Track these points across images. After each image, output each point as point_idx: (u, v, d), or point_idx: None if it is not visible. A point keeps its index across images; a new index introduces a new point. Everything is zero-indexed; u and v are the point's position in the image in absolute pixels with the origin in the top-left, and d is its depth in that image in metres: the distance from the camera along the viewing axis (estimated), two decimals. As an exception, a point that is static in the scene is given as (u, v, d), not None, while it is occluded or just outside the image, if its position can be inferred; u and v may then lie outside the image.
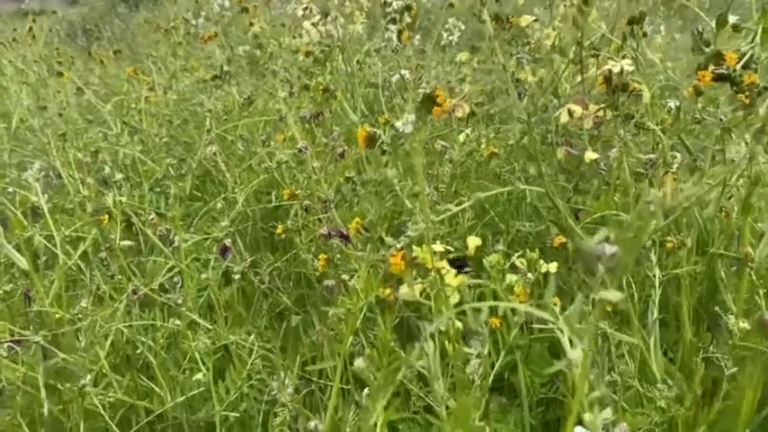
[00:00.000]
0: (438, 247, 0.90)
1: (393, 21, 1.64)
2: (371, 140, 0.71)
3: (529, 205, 1.11)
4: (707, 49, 1.13)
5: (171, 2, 4.17)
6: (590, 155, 0.98)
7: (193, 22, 3.10)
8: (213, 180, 1.78)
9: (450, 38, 2.52)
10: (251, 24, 2.85)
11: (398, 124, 1.17)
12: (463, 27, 2.48)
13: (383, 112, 1.71)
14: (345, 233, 1.05)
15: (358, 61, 1.62)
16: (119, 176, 1.08)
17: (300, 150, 1.08)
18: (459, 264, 1.03)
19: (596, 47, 1.34)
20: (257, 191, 1.57)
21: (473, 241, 0.89)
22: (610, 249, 0.40)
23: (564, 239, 0.92)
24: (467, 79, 1.45)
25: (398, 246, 0.64)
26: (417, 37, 2.37)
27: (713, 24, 1.12)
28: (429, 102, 0.61)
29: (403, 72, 1.25)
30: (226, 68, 1.70)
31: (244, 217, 1.52)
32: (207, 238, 1.24)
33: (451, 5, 2.76)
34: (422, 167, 0.66)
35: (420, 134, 0.64)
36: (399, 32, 1.45)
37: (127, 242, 0.99)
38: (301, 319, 1.25)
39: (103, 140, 1.73)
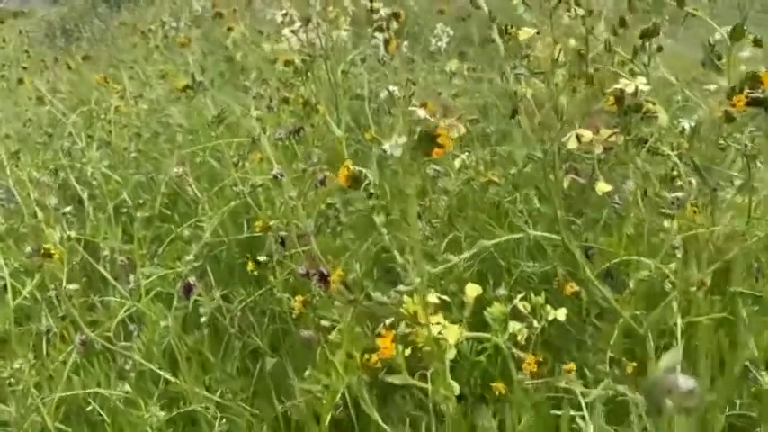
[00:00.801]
0: (432, 297, 0.79)
1: (380, 29, 1.52)
2: (355, 181, 0.59)
3: (531, 241, 1.00)
4: (719, 63, 1.03)
5: (150, 3, 4.02)
6: (602, 186, 0.87)
7: (173, 24, 2.97)
8: (185, 199, 1.65)
9: (439, 44, 2.41)
10: (229, 29, 2.72)
11: (387, 146, 1.05)
12: (452, 33, 2.36)
13: (369, 127, 1.59)
14: (326, 273, 0.93)
15: (343, 71, 1.49)
16: (68, 209, 0.95)
17: (276, 177, 0.96)
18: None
19: (598, 62, 1.23)
20: (234, 212, 1.44)
21: (472, 289, 0.77)
22: (686, 383, 0.29)
23: (577, 288, 0.81)
24: (457, 92, 1.34)
25: (387, 324, 0.52)
26: (405, 43, 2.25)
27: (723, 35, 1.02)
28: (428, 141, 0.49)
29: (392, 88, 1.13)
30: (199, 78, 1.58)
31: (218, 242, 1.39)
32: (172, 271, 1.11)
33: (441, 12, 2.66)
34: (415, 214, 0.54)
35: (415, 179, 0.52)
36: (386, 42, 1.33)
37: (74, 286, 0.86)
38: (276, 362, 1.12)
39: (66, 156, 1.60)
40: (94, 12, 7.88)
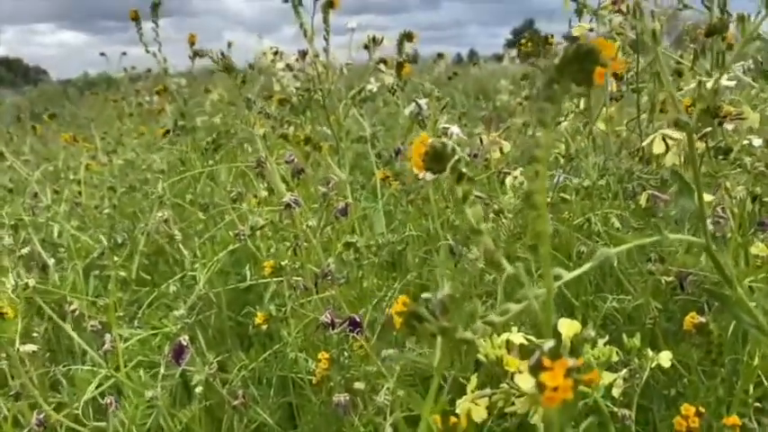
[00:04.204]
0: (517, 337, 0.60)
1: (383, 61, 1.37)
2: (438, 158, 0.41)
3: (609, 274, 0.81)
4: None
5: (125, 84, 3.92)
6: (707, 196, 0.70)
7: (147, 98, 2.87)
8: (167, 259, 1.45)
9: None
10: (207, 91, 2.58)
11: (422, 174, 0.87)
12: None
13: (373, 173, 1.42)
14: (357, 321, 0.74)
15: (347, 104, 1.33)
16: (24, 250, 0.75)
17: (288, 206, 0.77)
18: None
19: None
20: (221, 269, 1.24)
21: (568, 327, 0.58)
22: None
23: (701, 320, 0.62)
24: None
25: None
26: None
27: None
28: (580, 62, 0.32)
29: (421, 101, 0.96)
30: (180, 123, 1.40)
31: (206, 303, 1.18)
32: (156, 334, 0.90)
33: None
34: (544, 192, 0.36)
35: (547, 134, 0.35)
36: (400, 65, 1.18)
37: (30, 347, 0.65)
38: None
39: (28, 214, 1.39)
40: (65, 95, 7.77)
